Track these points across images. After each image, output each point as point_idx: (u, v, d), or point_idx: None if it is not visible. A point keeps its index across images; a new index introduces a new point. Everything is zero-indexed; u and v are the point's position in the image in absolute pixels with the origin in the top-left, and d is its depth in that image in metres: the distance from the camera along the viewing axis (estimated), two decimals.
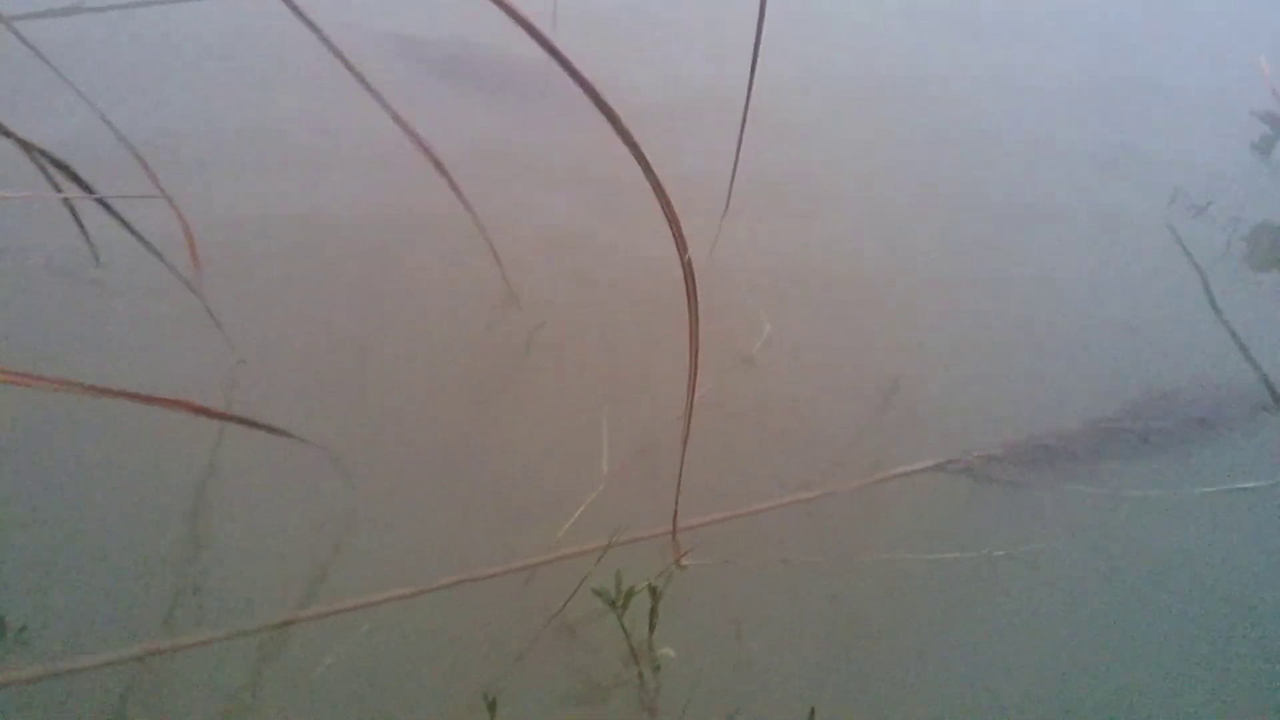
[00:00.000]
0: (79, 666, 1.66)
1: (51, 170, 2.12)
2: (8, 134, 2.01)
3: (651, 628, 1.75)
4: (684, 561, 1.93)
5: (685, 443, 1.82)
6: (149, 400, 1.65)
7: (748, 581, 1.90)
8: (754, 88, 1.94)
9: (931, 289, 2.89)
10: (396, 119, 2.14)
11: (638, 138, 1.48)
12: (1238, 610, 1.94)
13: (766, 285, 2.81)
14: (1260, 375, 2.62)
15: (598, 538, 1.94)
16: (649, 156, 1.49)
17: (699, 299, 1.61)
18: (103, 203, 2.12)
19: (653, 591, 1.74)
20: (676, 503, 1.89)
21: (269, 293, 2.52)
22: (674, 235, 1.54)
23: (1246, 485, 2.26)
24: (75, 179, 2.13)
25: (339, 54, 2.05)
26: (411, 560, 1.89)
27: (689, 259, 1.55)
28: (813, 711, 1.51)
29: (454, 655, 1.72)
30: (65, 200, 2.19)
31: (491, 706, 1.58)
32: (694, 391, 1.82)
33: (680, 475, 1.85)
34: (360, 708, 1.62)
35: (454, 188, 2.23)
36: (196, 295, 2.23)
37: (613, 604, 1.75)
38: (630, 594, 1.75)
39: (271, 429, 1.85)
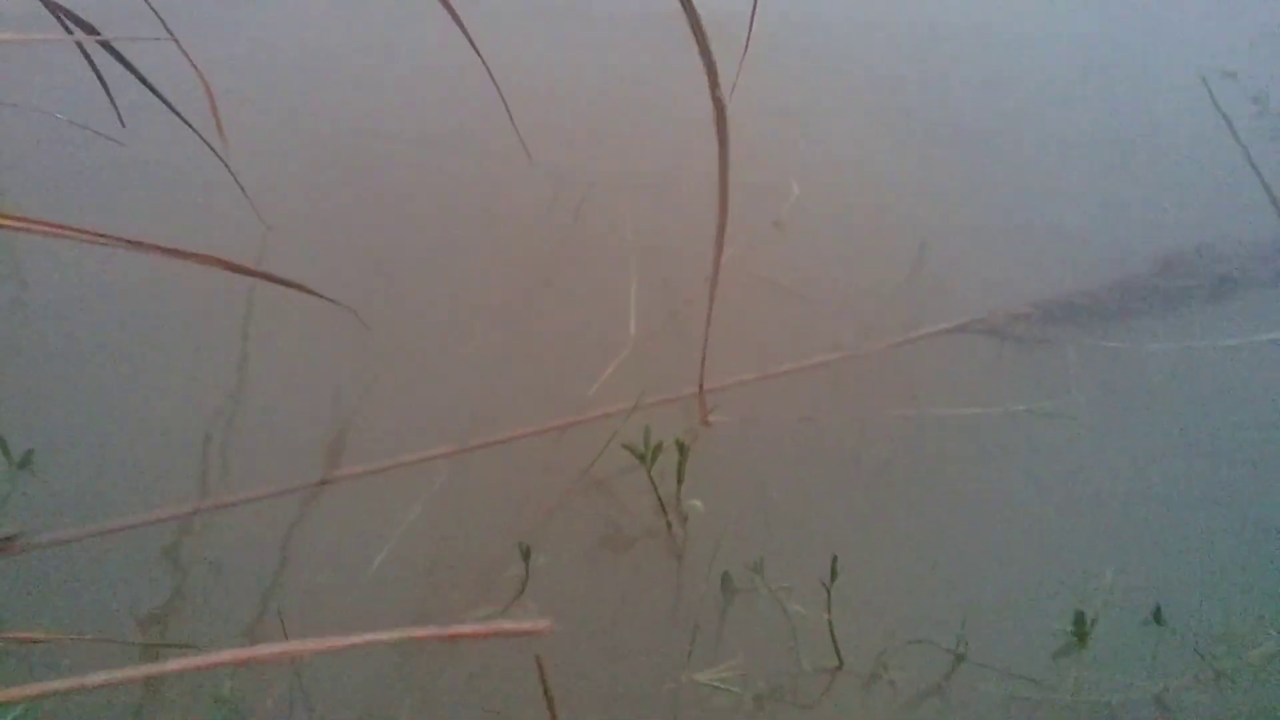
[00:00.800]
0: (127, 524, 1.75)
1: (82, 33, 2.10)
2: None
3: (679, 480, 1.83)
4: (710, 419, 1.99)
5: (712, 303, 1.86)
6: (185, 255, 1.68)
7: (773, 439, 1.97)
8: None
9: (961, 145, 2.86)
10: None
11: None
12: (1264, 461, 1.98)
13: (793, 145, 2.79)
14: None
15: (626, 399, 2.00)
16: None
17: (727, 161, 1.62)
18: (124, 62, 2.09)
19: (680, 447, 1.80)
20: (703, 363, 1.94)
21: (296, 167, 2.54)
22: (706, 69, 1.53)
23: (1273, 336, 2.29)
24: (109, 48, 2.11)
25: None
26: (441, 421, 1.96)
27: (720, 95, 1.55)
28: (835, 559, 1.59)
29: (488, 510, 1.81)
30: (85, 54, 2.15)
31: (526, 554, 1.67)
32: (722, 250, 1.84)
33: (706, 337, 1.89)
34: (397, 562, 1.72)
35: (463, 30, 2.19)
36: (224, 163, 2.24)
37: (641, 458, 1.82)
38: (658, 448, 1.82)
39: (301, 288, 1.89)
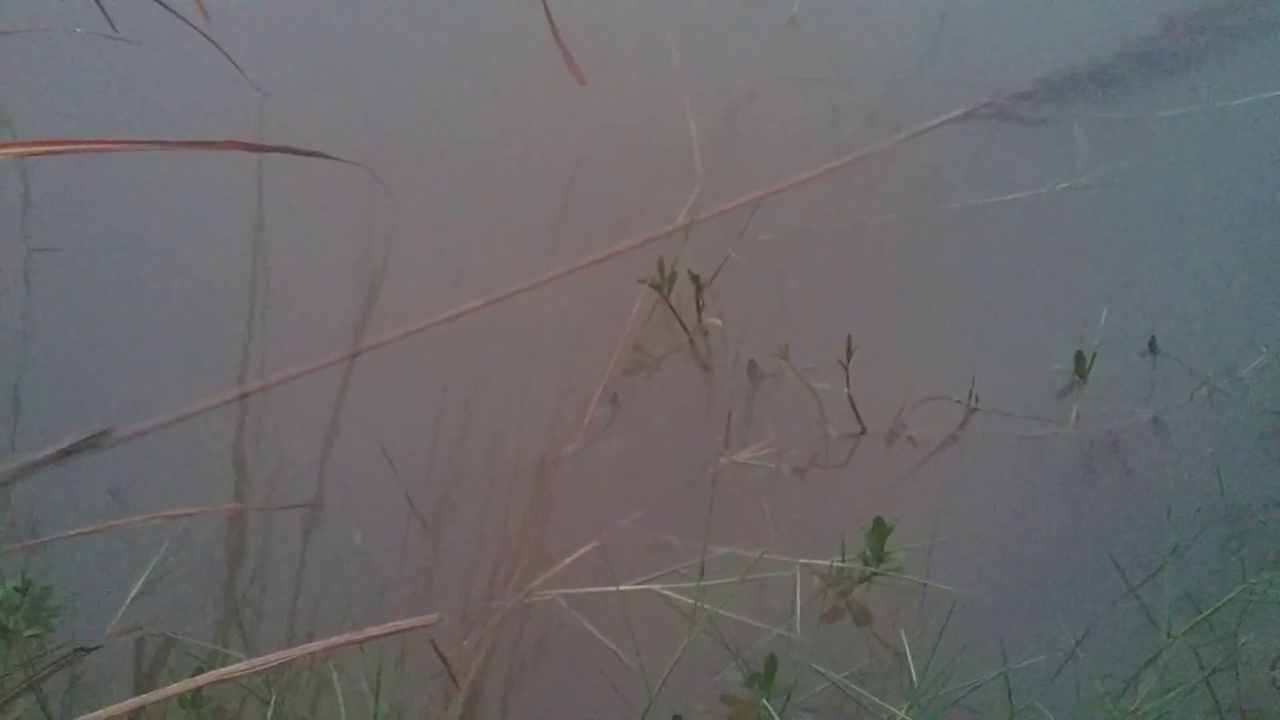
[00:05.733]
0: (184, 414, 2.00)
1: None
2: None
3: (699, 308, 2.11)
4: (733, 254, 2.26)
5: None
6: (197, 145, 1.91)
7: (792, 242, 2.25)
8: None
9: None
10: None
11: None
12: (1275, 224, 2.25)
13: None
14: None
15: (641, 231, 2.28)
16: None
17: None
18: None
19: (694, 278, 2.09)
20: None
21: (284, 30, 2.73)
22: None
23: (1277, 94, 2.51)
24: None
25: None
26: (472, 270, 2.22)
27: None
28: (849, 338, 1.90)
29: (534, 340, 2.12)
30: None
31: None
32: None
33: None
34: (445, 402, 2.04)
35: None
36: (210, 40, 2.45)
37: (657, 288, 2.11)
38: (673, 278, 2.10)
39: (309, 153, 2.14)
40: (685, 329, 2.11)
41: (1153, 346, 1.96)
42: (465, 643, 1.68)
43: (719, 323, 2.12)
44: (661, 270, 2.11)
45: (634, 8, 2.80)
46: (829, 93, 2.56)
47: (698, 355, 2.09)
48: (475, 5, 2.79)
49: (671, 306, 2.13)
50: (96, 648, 1.61)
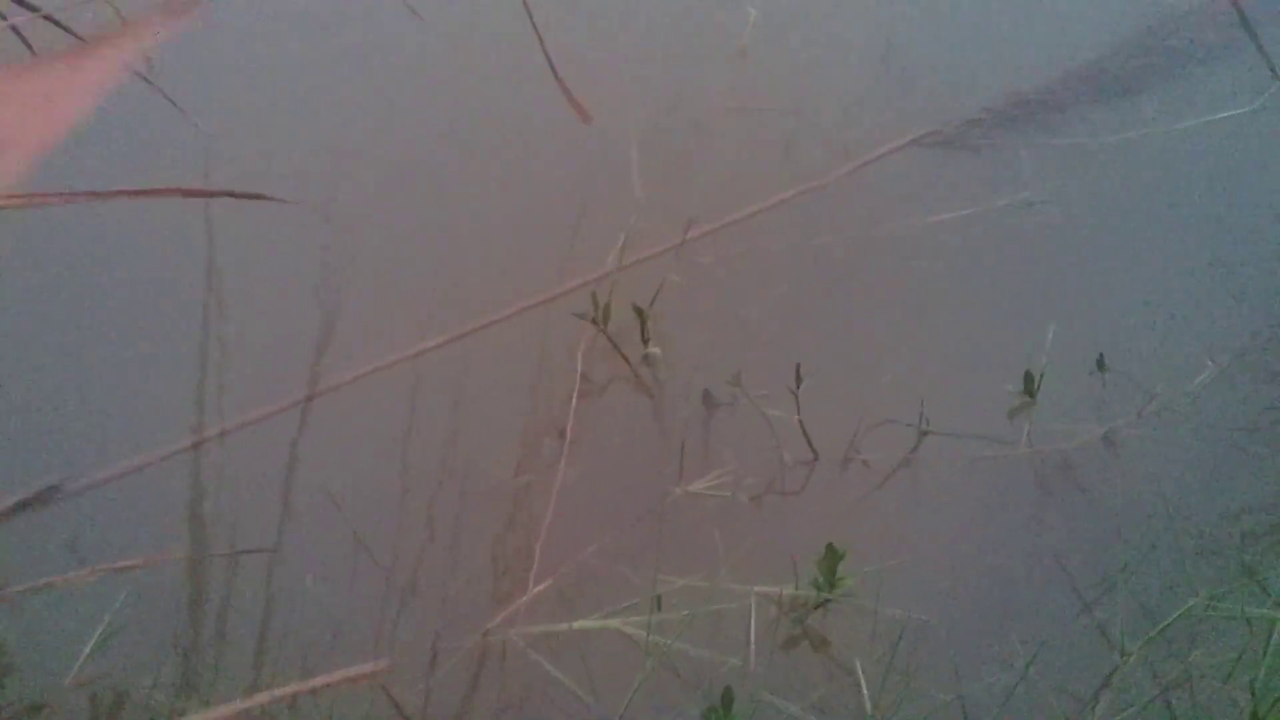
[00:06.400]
0: (136, 465, 1.98)
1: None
2: None
3: (644, 340, 2.13)
4: (674, 278, 2.29)
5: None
6: (134, 194, 1.93)
7: (743, 271, 2.27)
8: None
9: None
10: None
11: None
12: (1220, 240, 2.29)
13: None
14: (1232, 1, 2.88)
15: (596, 267, 2.29)
16: None
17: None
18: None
19: (639, 312, 2.12)
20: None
21: (226, 70, 2.75)
22: None
23: (1223, 115, 2.57)
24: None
25: None
26: (427, 307, 2.22)
27: None
28: (798, 366, 1.93)
29: (486, 378, 2.13)
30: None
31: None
32: None
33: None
34: (398, 442, 2.04)
35: None
36: (150, 82, 2.47)
37: (594, 321, 2.14)
38: (608, 309, 2.13)
39: (256, 196, 2.16)
40: (627, 361, 2.14)
41: (1101, 364, 1.99)
42: (421, 686, 1.68)
43: (658, 352, 2.14)
44: (596, 304, 2.14)
45: (588, 40, 2.84)
46: (779, 122, 2.60)
47: (646, 386, 2.11)
48: (425, 45, 2.83)
49: (611, 340, 2.15)
50: (43, 707, 1.61)
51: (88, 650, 1.68)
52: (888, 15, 2.86)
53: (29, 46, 2.36)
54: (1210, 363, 2.00)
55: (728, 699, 1.58)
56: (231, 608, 1.81)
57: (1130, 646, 1.64)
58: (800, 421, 1.94)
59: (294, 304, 2.26)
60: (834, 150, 2.51)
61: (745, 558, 1.82)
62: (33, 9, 2.27)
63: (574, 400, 2.07)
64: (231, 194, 2.17)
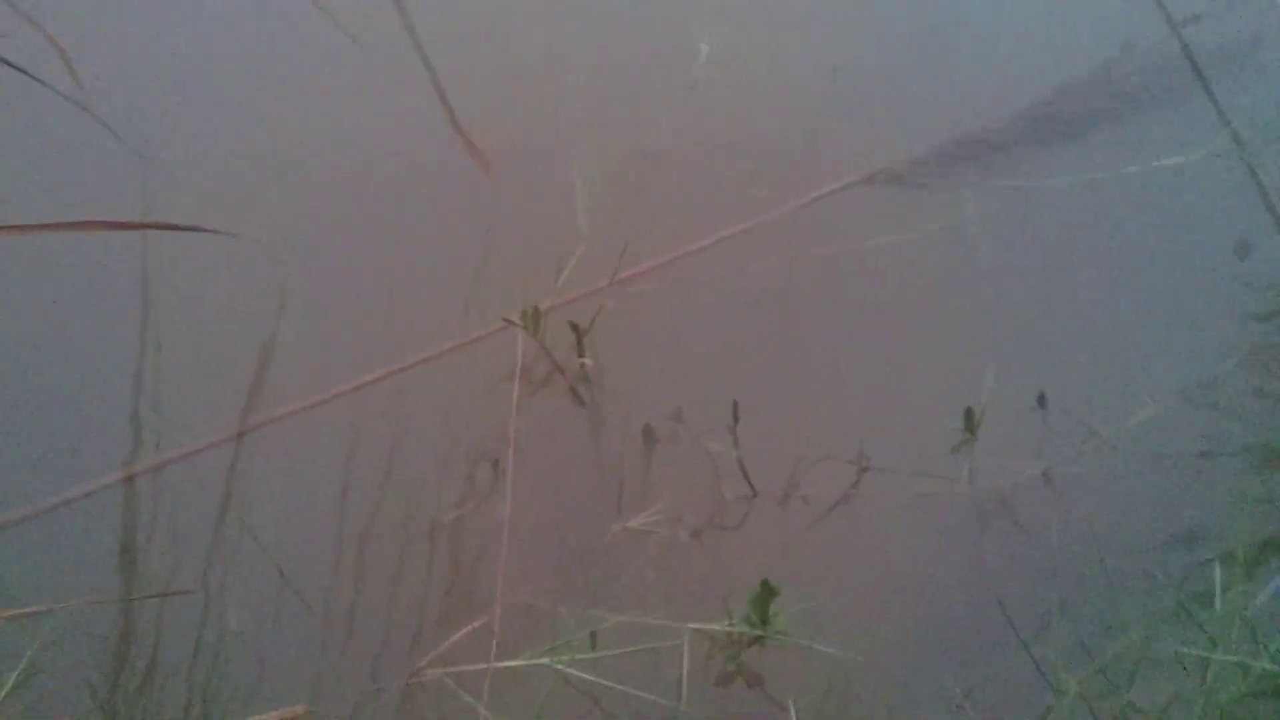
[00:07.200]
0: (69, 498, 1.96)
1: None
2: None
3: (580, 355, 2.15)
4: (607, 303, 2.30)
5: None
6: (59, 227, 1.90)
7: (687, 305, 2.28)
8: None
9: None
10: None
11: None
12: (1163, 283, 2.32)
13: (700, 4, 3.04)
14: (1182, 46, 2.95)
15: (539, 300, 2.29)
16: None
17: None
18: None
19: (574, 328, 2.14)
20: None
21: (164, 100, 2.74)
22: None
23: (1169, 162, 2.60)
24: None
25: None
26: (364, 341, 2.21)
27: None
28: (735, 403, 1.94)
29: (422, 414, 2.12)
30: None
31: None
32: None
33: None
34: (333, 477, 2.03)
35: None
36: (86, 110, 2.45)
37: (525, 327, 2.14)
38: (536, 312, 2.14)
39: (185, 228, 2.14)
40: (563, 372, 2.15)
41: (1042, 401, 2.01)
42: None
43: (589, 362, 2.15)
44: (528, 316, 2.15)
45: (537, 71, 2.85)
46: (728, 156, 2.62)
47: (586, 420, 2.10)
48: (365, 70, 2.84)
49: (545, 347, 2.16)
50: None
51: (4, 692, 1.64)
52: (838, 52, 2.89)
53: None
54: (1150, 400, 2.03)
55: None
56: (161, 646, 1.78)
57: (1066, 684, 1.64)
58: (739, 459, 1.94)
59: (231, 337, 2.25)
60: (783, 186, 2.54)
61: (682, 594, 1.81)
62: None
63: (513, 436, 2.07)
64: (168, 226, 2.15)
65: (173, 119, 2.67)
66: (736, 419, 1.93)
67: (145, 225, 2.23)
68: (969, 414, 1.97)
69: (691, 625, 1.73)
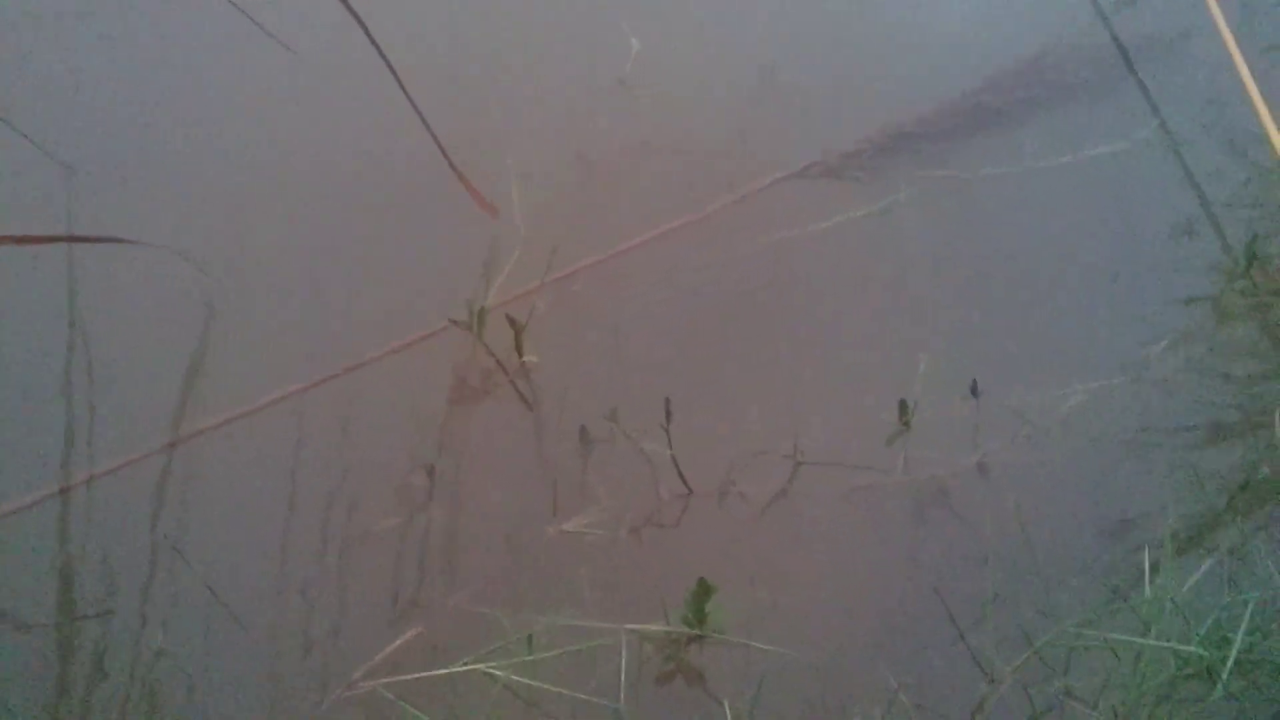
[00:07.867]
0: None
1: None
2: None
3: (519, 352, 2.15)
4: (539, 304, 2.30)
5: None
6: None
7: (620, 302, 2.29)
8: None
9: None
10: None
11: None
12: (1094, 271, 2.36)
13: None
14: (1111, 35, 3.00)
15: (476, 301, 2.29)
16: None
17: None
18: None
19: (512, 322, 2.13)
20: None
21: (83, 100, 2.69)
22: None
23: (1100, 151, 2.64)
24: None
25: None
26: (297, 348, 2.20)
27: None
28: (667, 400, 1.94)
29: (357, 420, 2.11)
30: None
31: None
32: None
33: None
34: (267, 487, 2.01)
35: None
36: (6, 121, 2.41)
37: (467, 327, 2.14)
38: (483, 313, 2.15)
39: (107, 239, 2.10)
40: (504, 369, 2.15)
41: (974, 390, 2.03)
42: None
43: (535, 359, 2.16)
44: (471, 314, 2.15)
45: (471, 72, 2.84)
46: (660, 153, 2.63)
47: (523, 419, 2.10)
48: (299, 80, 2.81)
49: (485, 345, 2.16)
50: None
51: None
52: (769, 46, 2.90)
53: None
54: (1079, 387, 2.06)
55: None
56: (93, 665, 1.75)
57: (1002, 673, 1.66)
58: (673, 457, 1.94)
59: (161, 347, 2.22)
60: (716, 181, 2.54)
61: (619, 595, 1.81)
62: None
63: (449, 437, 2.06)
64: (88, 239, 2.12)
65: (98, 130, 2.63)
66: (669, 417, 1.93)
67: (60, 238, 2.18)
68: (903, 405, 1.99)
69: (628, 626, 1.73)
